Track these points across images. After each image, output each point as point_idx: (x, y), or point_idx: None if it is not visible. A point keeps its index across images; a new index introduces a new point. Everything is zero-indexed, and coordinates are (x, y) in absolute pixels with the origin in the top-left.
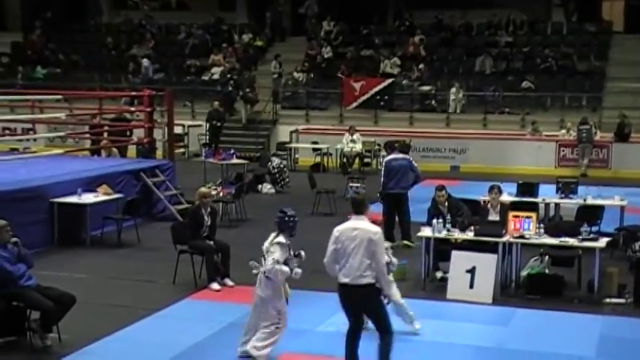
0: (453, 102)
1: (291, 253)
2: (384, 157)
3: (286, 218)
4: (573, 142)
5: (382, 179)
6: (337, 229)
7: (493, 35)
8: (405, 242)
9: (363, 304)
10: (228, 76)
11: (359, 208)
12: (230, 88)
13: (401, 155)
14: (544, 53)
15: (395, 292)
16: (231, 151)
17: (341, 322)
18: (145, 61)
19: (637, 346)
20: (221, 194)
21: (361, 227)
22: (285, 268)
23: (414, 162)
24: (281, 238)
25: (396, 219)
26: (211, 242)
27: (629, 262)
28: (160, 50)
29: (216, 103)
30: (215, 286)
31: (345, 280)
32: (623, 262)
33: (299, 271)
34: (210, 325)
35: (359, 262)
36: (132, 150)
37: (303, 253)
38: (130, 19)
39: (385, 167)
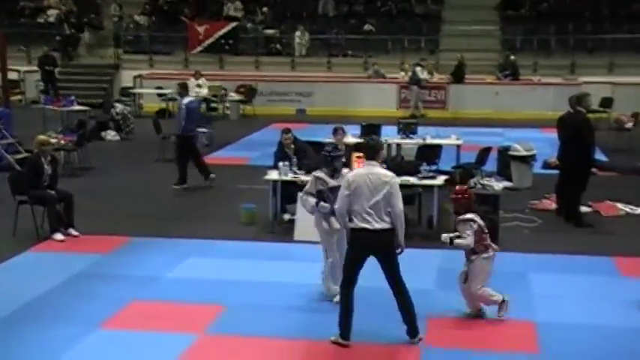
0: (298, 45)
1: (329, 186)
2: (179, 98)
3: (324, 153)
4: None
5: (183, 122)
6: (351, 175)
7: None
8: (211, 177)
9: (381, 249)
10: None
11: (372, 153)
12: (68, 31)
13: (193, 97)
14: None
15: None
16: (72, 98)
17: (191, 267)
18: None
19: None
20: (62, 142)
21: (375, 172)
22: (311, 200)
23: None
24: (317, 172)
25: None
26: (53, 192)
27: None
28: None
29: (46, 48)
30: (58, 236)
31: (363, 225)
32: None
33: (325, 205)
34: (55, 276)
35: (375, 207)
36: None
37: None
38: None
39: (186, 110)
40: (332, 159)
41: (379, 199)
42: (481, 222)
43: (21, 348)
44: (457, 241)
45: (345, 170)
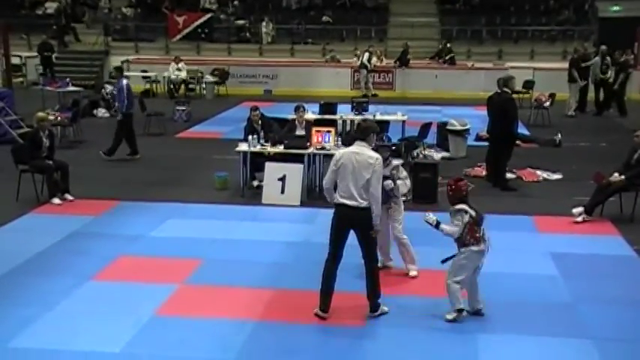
0: (265, 34)
1: (392, 172)
2: (118, 80)
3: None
4: None
5: (125, 101)
6: (339, 153)
7: None
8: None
9: (357, 225)
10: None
11: (363, 134)
12: (64, 22)
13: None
14: None
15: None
16: (67, 80)
17: (171, 227)
18: None
19: (415, 234)
20: (59, 118)
21: (361, 152)
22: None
23: None
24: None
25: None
26: (50, 162)
27: (409, 166)
28: None
29: (44, 36)
30: (56, 200)
31: (343, 201)
32: (405, 167)
33: (388, 182)
34: (53, 235)
35: (355, 185)
36: None
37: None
38: None
39: (127, 89)
40: (376, 149)
41: (361, 179)
42: (474, 213)
43: (24, 297)
44: (443, 225)
45: (395, 161)
